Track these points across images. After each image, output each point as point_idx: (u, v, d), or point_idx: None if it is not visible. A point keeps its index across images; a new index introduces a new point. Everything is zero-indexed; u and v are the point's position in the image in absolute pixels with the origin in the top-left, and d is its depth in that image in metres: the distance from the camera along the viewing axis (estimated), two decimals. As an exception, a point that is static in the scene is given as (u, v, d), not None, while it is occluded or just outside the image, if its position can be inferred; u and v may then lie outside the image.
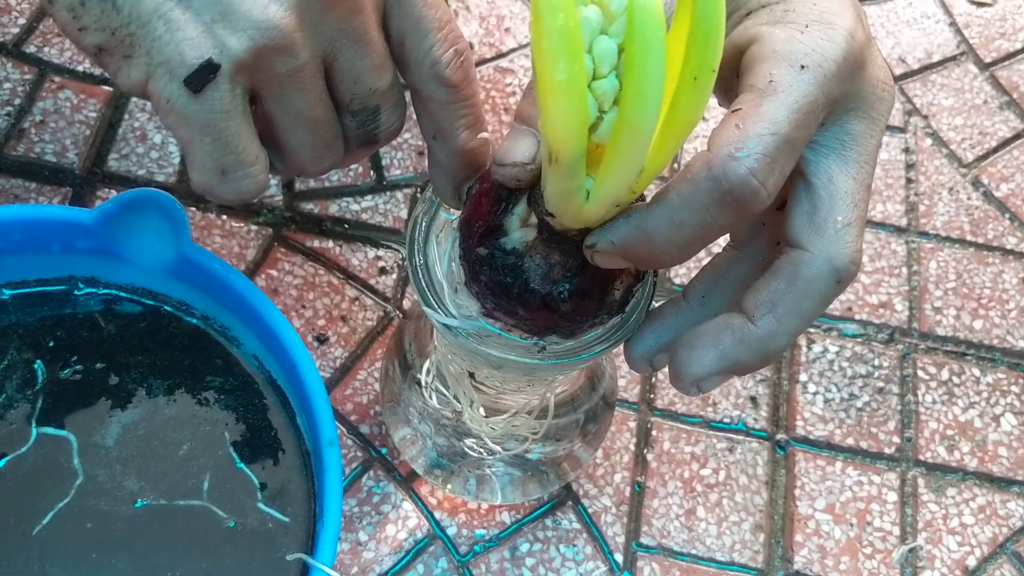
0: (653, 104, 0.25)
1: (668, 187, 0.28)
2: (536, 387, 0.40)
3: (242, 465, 0.41)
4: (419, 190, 0.57)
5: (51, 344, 0.43)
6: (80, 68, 0.58)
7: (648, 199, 0.30)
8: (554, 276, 0.31)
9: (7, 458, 0.41)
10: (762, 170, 0.26)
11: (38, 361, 0.42)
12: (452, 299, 0.34)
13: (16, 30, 0.59)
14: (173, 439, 0.42)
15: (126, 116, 0.57)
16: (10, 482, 0.40)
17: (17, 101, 0.57)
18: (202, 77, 0.29)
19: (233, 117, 0.30)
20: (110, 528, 0.40)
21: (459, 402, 0.42)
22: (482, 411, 0.43)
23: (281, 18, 0.29)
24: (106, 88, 0.58)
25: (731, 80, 0.30)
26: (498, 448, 0.45)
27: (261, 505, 0.41)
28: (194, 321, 0.44)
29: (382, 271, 0.55)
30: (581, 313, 0.32)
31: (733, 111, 0.28)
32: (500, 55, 0.62)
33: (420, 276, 0.34)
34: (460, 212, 0.34)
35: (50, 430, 0.41)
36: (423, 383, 0.44)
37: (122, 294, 0.44)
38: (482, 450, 0.46)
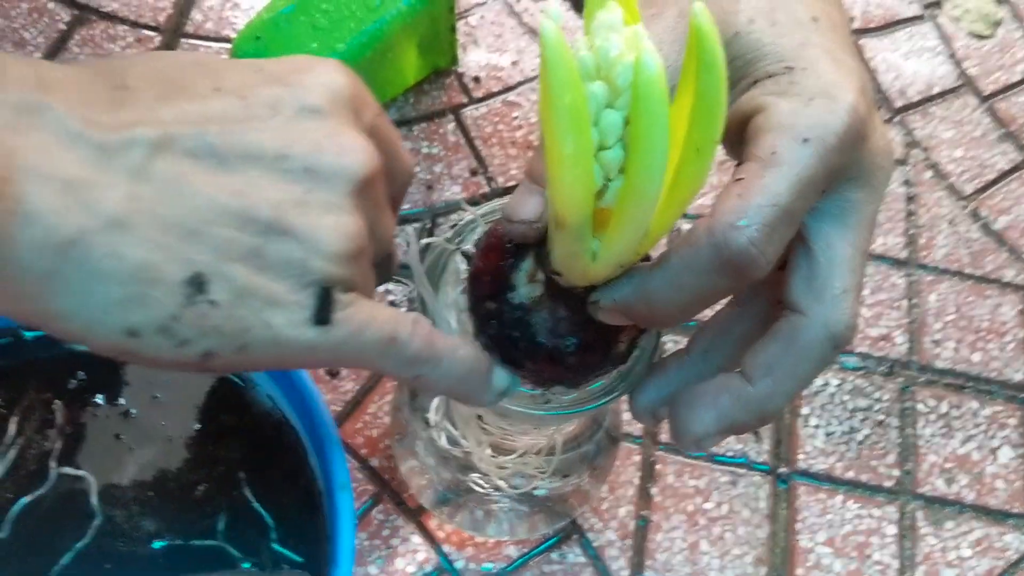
0: (658, 174, 0.26)
1: (670, 250, 0.29)
2: (543, 430, 0.41)
3: (256, 505, 0.42)
4: (427, 226, 0.58)
5: (70, 385, 0.44)
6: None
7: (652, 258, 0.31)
8: (560, 330, 0.32)
9: (26, 499, 0.41)
10: (762, 240, 0.27)
11: (57, 401, 0.43)
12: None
13: (31, 65, 0.60)
14: (189, 479, 0.43)
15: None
16: (29, 523, 0.41)
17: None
18: (325, 308, 0.28)
19: (365, 306, 0.29)
20: (128, 569, 0.41)
21: (468, 441, 0.43)
22: (489, 451, 0.44)
23: (351, 222, 0.29)
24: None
25: (737, 142, 0.31)
26: (504, 485, 0.46)
27: (275, 545, 0.42)
28: (209, 362, 0.45)
29: (392, 305, 0.56)
30: (587, 366, 0.33)
31: (736, 180, 0.29)
32: (508, 88, 0.63)
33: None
34: (470, 267, 0.35)
35: (69, 470, 0.42)
36: (432, 422, 0.45)
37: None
38: (488, 487, 0.47)
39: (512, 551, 0.50)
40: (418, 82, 0.61)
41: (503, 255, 0.32)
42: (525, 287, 0.32)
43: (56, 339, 0.34)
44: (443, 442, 0.45)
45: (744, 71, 0.32)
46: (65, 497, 0.42)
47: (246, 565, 0.41)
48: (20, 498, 0.41)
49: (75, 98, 0.26)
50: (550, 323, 0.32)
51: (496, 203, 0.37)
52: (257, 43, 0.55)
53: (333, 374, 0.53)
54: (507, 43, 0.65)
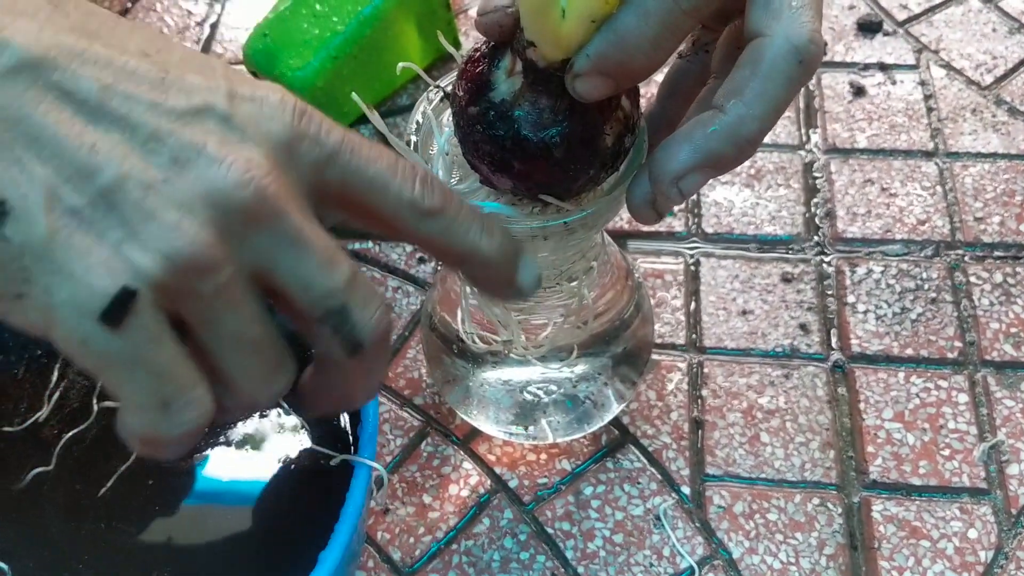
0: None
1: None
2: (565, 275, 0.41)
3: (291, 413, 0.43)
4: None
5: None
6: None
7: None
8: (544, 122, 0.32)
9: (70, 434, 0.42)
10: None
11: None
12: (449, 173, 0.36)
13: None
14: (225, 398, 0.43)
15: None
16: (75, 453, 0.42)
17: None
18: (120, 308, 0.24)
19: (163, 343, 0.25)
20: (170, 482, 0.41)
21: (502, 327, 0.43)
22: (523, 337, 0.43)
23: (196, 233, 0.24)
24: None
25: None
26: (537, 365, 0.45)
27: (312, 445, 0.42)
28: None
29: (420, 260, 0.56)
30: (575, 161, 0.33)
31: None
32: None
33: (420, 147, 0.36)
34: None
35: (110, 403, 0.43)
36: (462, 333, 0.45)
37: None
38: (539, 392, 0.46)
39: (566, 465, 0.49)
40: (426, 68, 0.64)
41: (480, 61, 0.33)
42: (505, 83, 0.32)
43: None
44: (479, 344, 0.44)
45: None
46: (108, 428, 0.43)
47: (285, 465, 0.41)
48: (64, 434, 0.42)
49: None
50: (533, 115, 0.32)
51: None
52: (265, 39, 0.58)
53: (370, 327, 0.54)
54: (507, 24, 0.67)
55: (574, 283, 0.41)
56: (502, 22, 0.31)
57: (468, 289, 0.43)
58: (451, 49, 0.37)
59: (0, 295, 0.24)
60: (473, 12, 0.69)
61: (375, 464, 0.35)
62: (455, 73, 0.37)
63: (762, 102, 0.29)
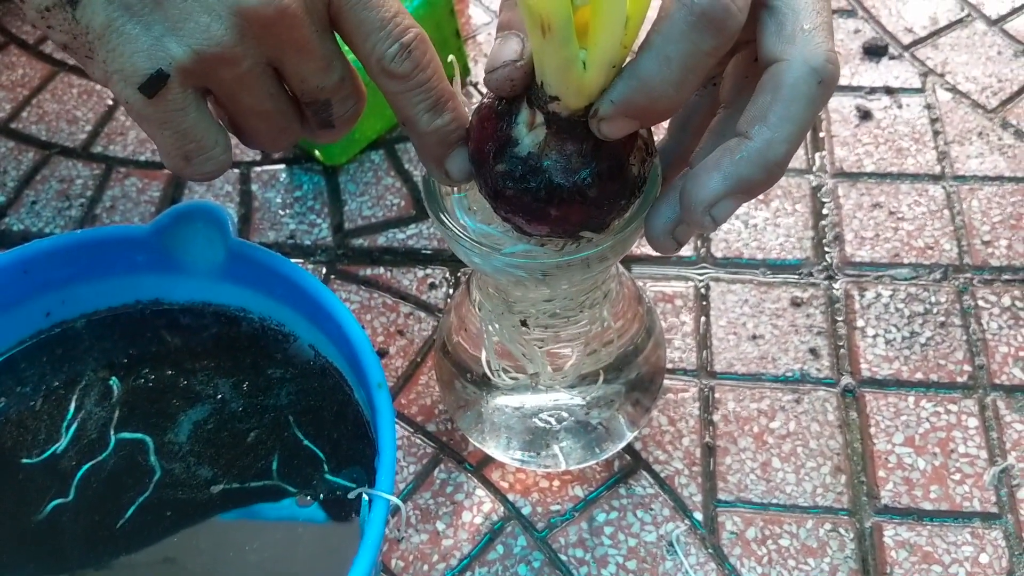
0: None
1: (649, 32, 0.30)
2: (586, 304, 0.41)
3: (307, 443, 0.43)
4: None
5: (124, 361, 0.46)
6: (143, 158, 0.64)
7: None
8: (574, 166, 0.32)
9: (88, 465, 0.43)
10: None
11: (113, 377, 0.45)
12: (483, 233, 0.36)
13: (84, 136, 0.65)
14: (241, 429, 0.44)
15: (186, 191, 0.62)
16: (93, 484, 0.42)
17: (88, 193, 0.62)
18: (154, 84, 0.32)
19: (188, 112, 0.34)
20: (189, 514, 0.41)
21: (528, 362, 0.43)
22: (549, 368, 0.44)
23: (221, 36, 0.32)
24: (168, 172, 0.63)
25: None
26: (566, 397, 0.45)
27: (328, 476, 0.42)
28: (253, 326, 0.46)
29: (432, 286, 0.57)
30: (608, 195, 0.33)
31: None
32: None
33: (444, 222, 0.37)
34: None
35: (127, 435, 0.44)
36: (488, 371, 0.45)
37: (184, 312, 0.47)
38: (551, 419, 0.46)
39: (579, 491, 0.49)
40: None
41: (497, 119, 0.33)
42: (528, 137, 0.33)
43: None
44: (504, 379, 0.45)
45: None
46: (125, 459, 0.43)
47: (302, 497, 0.41)
48: (83, 465, 0.43)
49: None
50: (562, 162, 0.32)
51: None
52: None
53: (382, 354, 0.54)
54: (516, 49, 0.68)
55: (589, 311, 0.42)
56: (513, 76, 0.32)
57: (491, 327, 0.43)
58: (462, 96, 0.37)
59: (76, 53, 0.33)
60: (481, 39, 0.69)
61: (393, 497, 0.36)
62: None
63: (787, 125, 0.30)
